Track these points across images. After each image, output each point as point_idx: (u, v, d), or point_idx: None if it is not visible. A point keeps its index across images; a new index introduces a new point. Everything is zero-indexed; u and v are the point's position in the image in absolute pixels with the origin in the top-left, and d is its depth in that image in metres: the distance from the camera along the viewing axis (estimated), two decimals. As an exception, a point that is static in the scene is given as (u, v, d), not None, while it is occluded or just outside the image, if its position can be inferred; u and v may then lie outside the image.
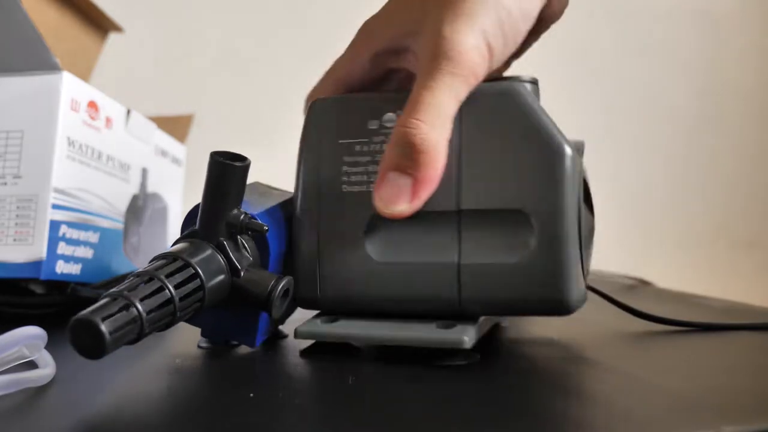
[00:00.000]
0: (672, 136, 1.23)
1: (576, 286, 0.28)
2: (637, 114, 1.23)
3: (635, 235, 1.18)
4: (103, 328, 0.21)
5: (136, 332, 0.23)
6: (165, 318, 0.24)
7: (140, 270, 0.25)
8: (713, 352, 0.34)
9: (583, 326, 0.42)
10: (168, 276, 0.25)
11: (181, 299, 0.25)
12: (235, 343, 0.33)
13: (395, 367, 0.29)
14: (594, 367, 0.29)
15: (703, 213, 1.22)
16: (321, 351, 0.31)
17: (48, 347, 0.27)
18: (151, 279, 0.24)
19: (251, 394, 0.23)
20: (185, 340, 0.34)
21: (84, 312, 0.22)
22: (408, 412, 0.22)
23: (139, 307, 0.23)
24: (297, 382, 0.27)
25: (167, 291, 0.24)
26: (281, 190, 0.37)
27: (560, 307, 0.28)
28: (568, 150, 0.28)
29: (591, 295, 0.43)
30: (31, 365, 0.26)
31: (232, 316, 0.31)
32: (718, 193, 1.23)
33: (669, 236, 1.20)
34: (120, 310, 0.22)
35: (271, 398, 0.23)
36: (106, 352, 0.21)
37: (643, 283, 0.64)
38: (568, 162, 0.28)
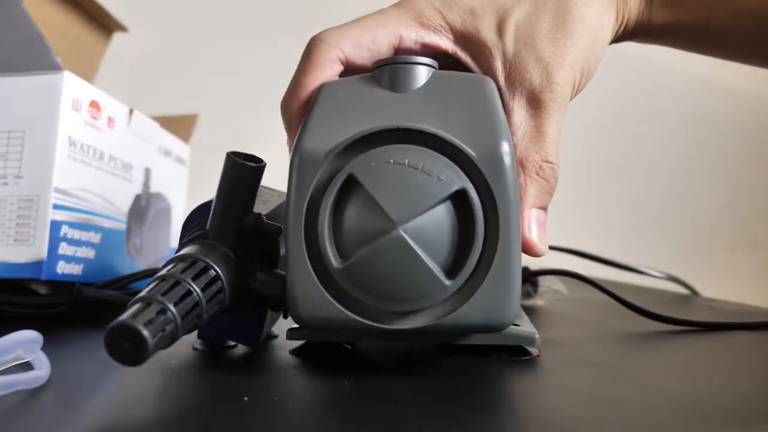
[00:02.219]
0: (672, 137, 1.22)
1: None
2: (637, 115, 1.21)
3: (635, 236, 1.16)
4: (146, 333, 0.21)
5: (172, 337, 0.22)
6: (193, 321, 0.24)
7: (163, 273, 0.25)
8: (720, 352, 0.33)
9: (589, 326, 0.41)
10: (193, 279, 0.24)
11: (207, 301, 0.25)
12: (231, 343, 0.32)
13: (391, 369, 0.29)
14: (600, 369, 0.28)
15: (702, 213, 1.21)
16: (311, 351, 0.31)
17: (50, 348, 0.27)
18: (177, 282, 0.24)
19: (245, 398, 0.23)
20: (181, 340, 0.33)
21: (122, 318, 0.21)
22: (406, 418, 0.22)
23: (174, 311, 0.22)
24: (292, 385, 0.26)
25: (195, 294, 0.24)
26: (279, 191, 0.36)
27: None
28: None
29: (597, 293, 0.43)
30: (28, 367, 0.26)
31: (235, 317, 0.30)
32: (717, 194, 1.21)
33: (669, 236, 1.19)
34: (158, 315, 0.22)
35: (265, 402, 0.23)
36: (146, 359, 0.21)
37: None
38: None
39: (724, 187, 1.22)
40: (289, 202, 0.27)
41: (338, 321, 0.26)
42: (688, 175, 1.22)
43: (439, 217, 0.25)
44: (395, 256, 0.25)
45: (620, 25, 0.35)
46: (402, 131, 0.26)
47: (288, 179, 0.27)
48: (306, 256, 0.26)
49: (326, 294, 0.26)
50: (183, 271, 0.25)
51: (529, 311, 0.44)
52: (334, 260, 0.26)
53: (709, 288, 0.63)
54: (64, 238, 0.41)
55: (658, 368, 0.30)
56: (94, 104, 0.44)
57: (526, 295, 0.48)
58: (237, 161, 0.27)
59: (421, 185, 0.25)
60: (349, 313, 0.26)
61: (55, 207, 0.40)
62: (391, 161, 0.25)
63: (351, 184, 0.26)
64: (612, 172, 1.20)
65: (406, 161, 0.25)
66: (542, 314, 0.45)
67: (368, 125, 0.26)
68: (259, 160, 0.28)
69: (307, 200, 0.26)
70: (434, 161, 0.25)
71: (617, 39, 0.35)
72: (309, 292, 0.26)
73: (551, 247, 0.60)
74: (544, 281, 0.49)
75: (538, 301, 0.48)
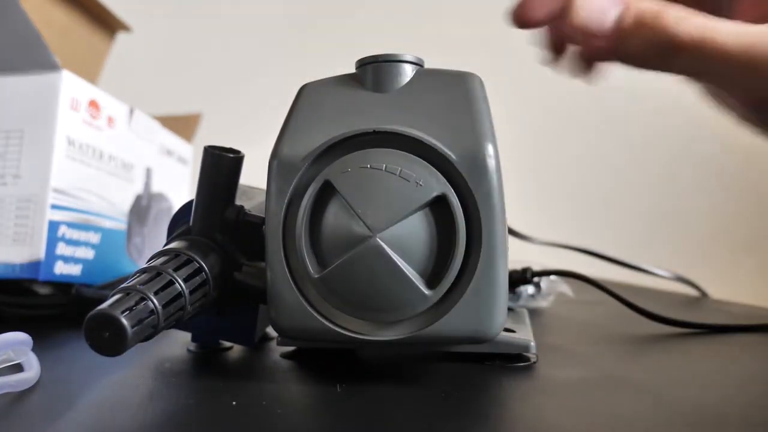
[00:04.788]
0: (672, 137, 1.20)
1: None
2: (636, 114, 1.20)
3: (635, 236, 1.15)
4: (125, 321, 0.20)
5: (153, 326, 0.22)
6: (177, 312, 0.24)
7: (144, 266, 0.24)
8: (727, 356, 0.32)
9: (592, 329, 0.40)
10: (175, 270, 0.24)
11: (190, 292, 0.24)
12: (226, 345, 0.32)
13: (384, 374, 0.28)
14: (599, 375, 0.28)
15: (702, 214, 1.19)
16: (303, 355, 0.30)
17: (44, 350, 0.26)
18: (159, 273, 0.24)
19: (233, 402, 0.23)
20: (176, 343, 0.33)
21: (100, 307, 0.21)
22: (395, 424, 0.21)
23: (155, 300, 0.22)
24: (282, 389, 0.26)
25: (177, 285, 0.24)
26: (262, 189, 0.36)
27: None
28: None
29: (603, 295, 0.42)
30: (19, 369, 0.26)
31: (229, 316, 0.30)
32: (718, 194, 1.20)
33: (668, 237, 1.17)
34: (137, 304, 0.22)
35: (254, 407, 0.22)
36: (126, 348, 0.21)
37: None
38: None
39: (726, 187, 1.20)
40: (268, 208, 0.26)
41: (317, 331, 0.25)
42: (689, 174, 1.20)
43: (419, 225, 0.24)
44: (372, 265, 0.24)
45: None
46: (380, 134, 0.25)
47: (266, 185, 0.26)
48: (284, 264, 0.25)
49: (304, 303, 0.25)
50: (164, 263, 0.25)
51: (533, 313, 0.43)
52: (311, 269, 0.25)
53: (710, 288, 0.62)
54: (63, 239, 0.41)
55: (661, 374, 0.29)
56: (93, 104, 0.44)
57: (530, 297, 0.47)
58: (215, 153, 0.27)
59: (398, 191, 0.24)
60: (328, 323, 0.25)
61: (54, 207, 0.40)
62: (368, 166, 0.24)
63: (328, 191, 0.25)
64: (612, 172, 1.19)
65: (384, 166, 0.24)
66: (545, 317, 0.44)
67: (347, 128, 0.25)
68: (237, 152, 0.28)
69: (285, 206, 0.25)
70: (413, 166, 0.24)
71: None
72: (287, 300, 0.25)
73: (557, 245, 0.60)
74: (549, 282, 0.48)
75: (541, 303, 0.48)
